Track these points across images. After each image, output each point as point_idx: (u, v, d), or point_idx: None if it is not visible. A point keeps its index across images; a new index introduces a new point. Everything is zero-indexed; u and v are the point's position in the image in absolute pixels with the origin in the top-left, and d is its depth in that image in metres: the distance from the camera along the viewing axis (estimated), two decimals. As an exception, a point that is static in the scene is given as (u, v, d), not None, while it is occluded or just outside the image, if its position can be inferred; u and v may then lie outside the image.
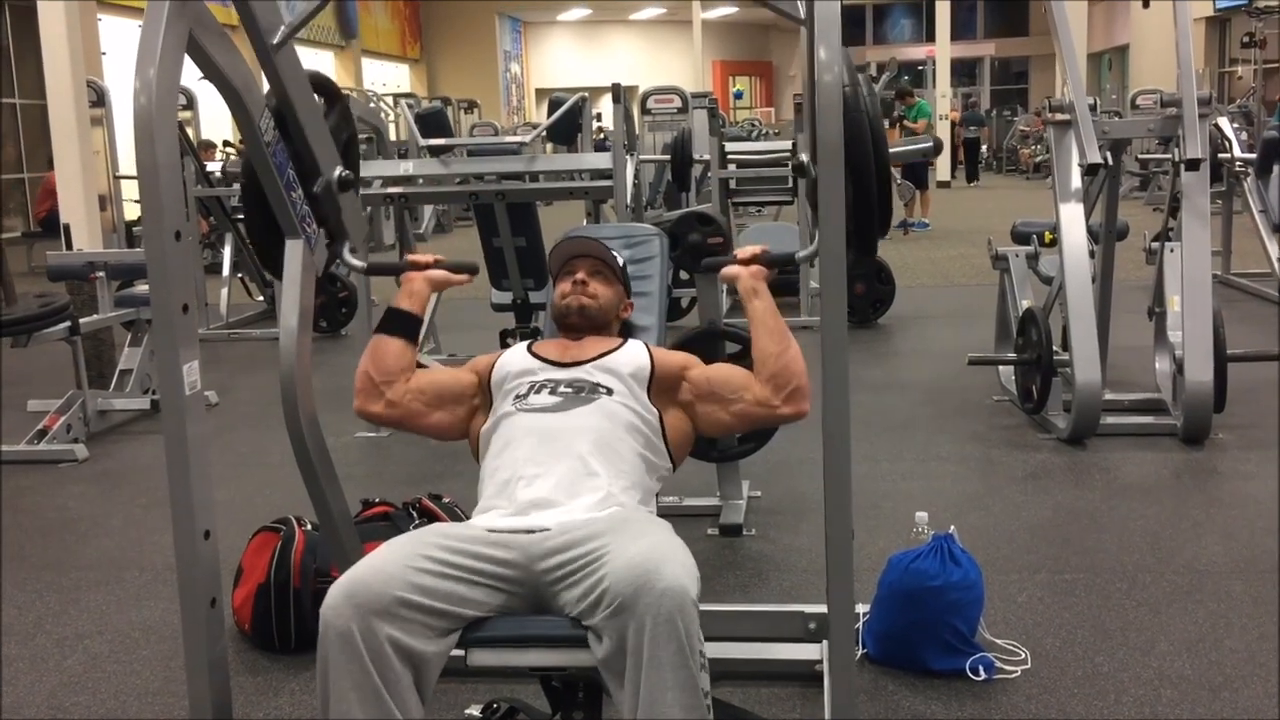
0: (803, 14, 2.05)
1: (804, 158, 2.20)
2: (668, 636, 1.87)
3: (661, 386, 2.48)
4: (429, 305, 2.66)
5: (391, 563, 2.02)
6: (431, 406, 2.50)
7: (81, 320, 5.24)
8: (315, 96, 2.31)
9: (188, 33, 1.90)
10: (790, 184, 8.23)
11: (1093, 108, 4.73)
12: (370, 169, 5.19)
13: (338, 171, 2.33)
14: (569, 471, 2.28)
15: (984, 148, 23.58)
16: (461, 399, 2.53)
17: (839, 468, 1.94)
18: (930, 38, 24.73)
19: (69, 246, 6.95)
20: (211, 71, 2.03)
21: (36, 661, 3.03)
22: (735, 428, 2.57)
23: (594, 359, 2.50)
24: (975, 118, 22.56)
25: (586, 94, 6.18)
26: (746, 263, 2.49)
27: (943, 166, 19.75)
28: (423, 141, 5.35)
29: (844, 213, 1.84)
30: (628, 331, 2.74)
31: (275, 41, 2.09)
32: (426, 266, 2.57)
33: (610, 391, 2.42)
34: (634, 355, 2.52)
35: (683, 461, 2.55)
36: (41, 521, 4.18)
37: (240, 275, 8.78)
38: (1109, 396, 4.74)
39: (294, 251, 2.33)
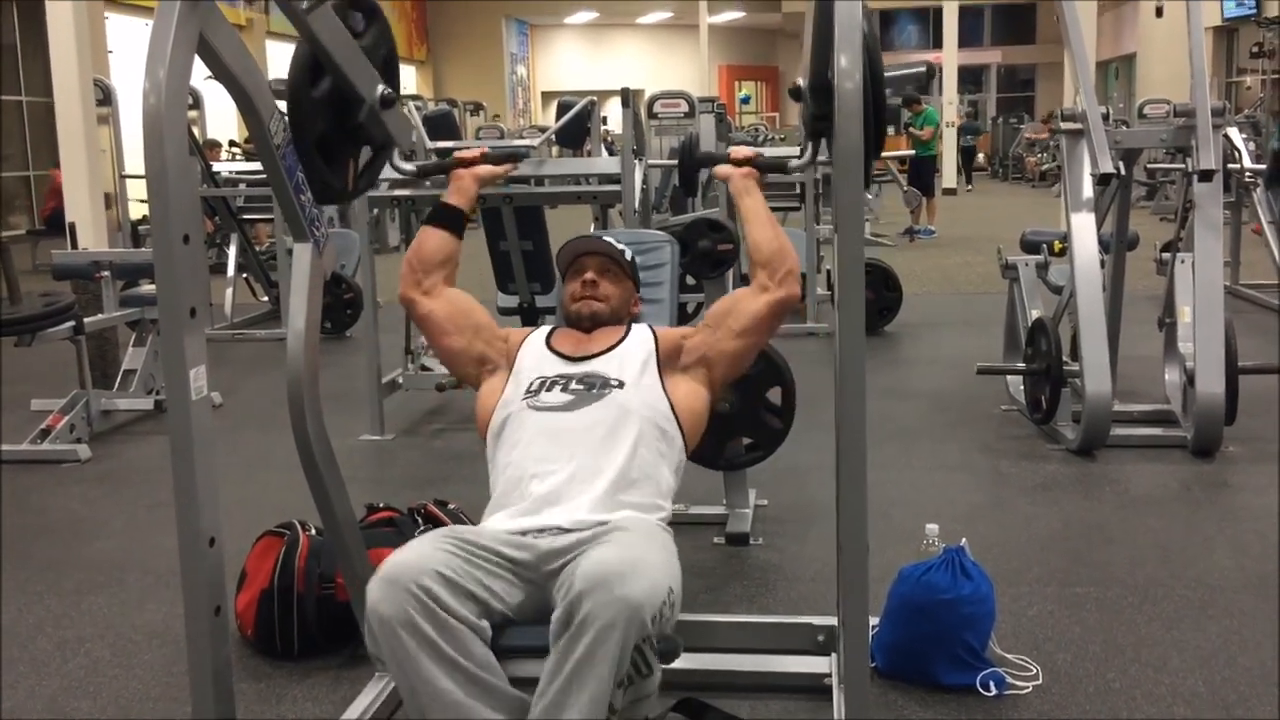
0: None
1: (800, 82, 2.33)
2: (603, 640, 1.87)
3: (668, 360, 2.52)
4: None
5: (422, 548, 2.06)
6: (454, 324, 2.57)
7: (86, 320, 5.22)
8: (349, 19, 2.25)
9: (199, 33, 1.88)
10: (797, 190, 8.20)
11: (1105, 117, 4.70)
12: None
13: (379, 90, 2.29)
14: (580, 469, 2.30)
15: (979, 155, 23.69)
16: (479, 335, 2.58)
17: (854, 480, 1.91)
18: (937, 44, 24.70)
19: (74, 245, 6.93)
20: (222, 72, 2.01)
21: (37, 665, 3.00)
22: (743, 351, 2.56)
23: (605, 351, 2.51)
24: (971, 127, 22.76)
25: (595, 98, 6.15)
26: (740, 164, 2.64)
27: (948, 174, 19.72)
28: (430, 144, 5.33)
29: (862, 218, 1.81)
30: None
31: (305, 6, 2.05)
32: (474, 162, 2.67)
33: (621, 385, 2.42)
34: (642, 340, 2.57)
35: (698, 440, 2.53)
36: (43, 522, 4.16)
37: (245, 275, 8.76)
38: (1118, 408, 4.71)
39: (302, 255, 2.31)
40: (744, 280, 2.95)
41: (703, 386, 2.53)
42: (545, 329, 2.66)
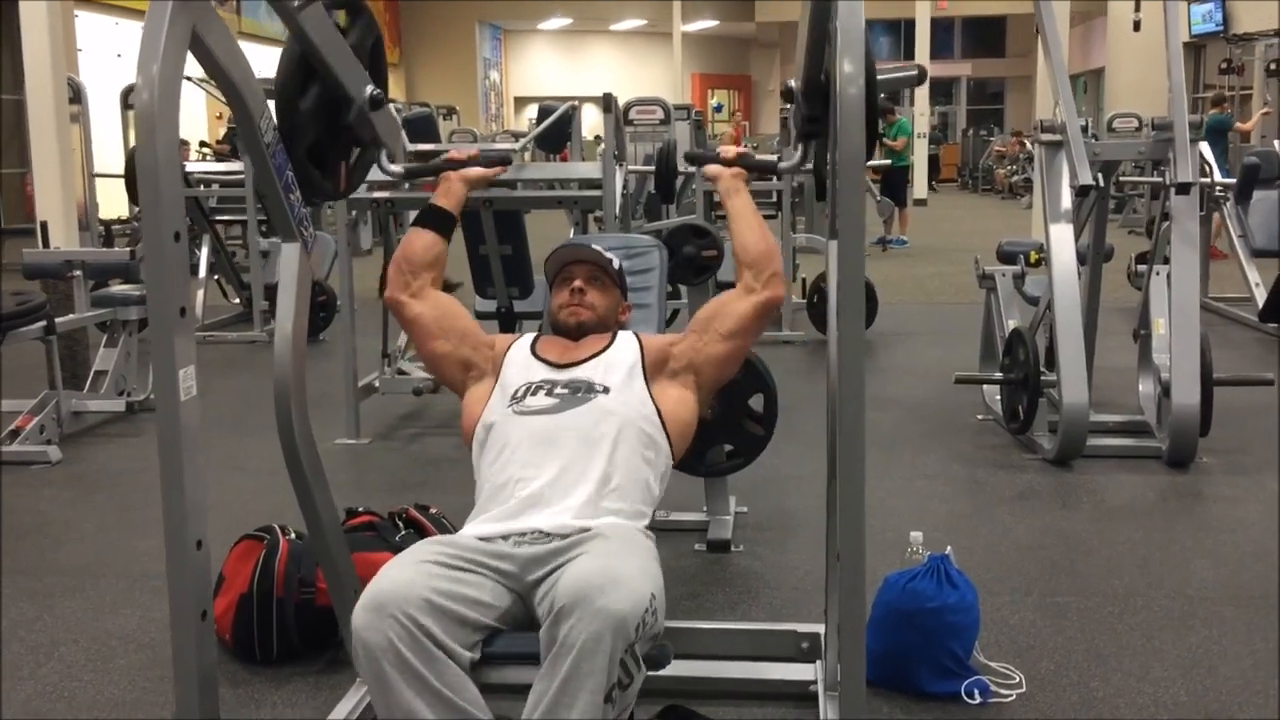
0: None
1: (792, 84, 2.34)
2: (592, 653, 1.86)
3: (655, 368, 2.50)
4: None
5: (406, 570, 2.02)
6: (441, 327, 2.56)
7: (57, 320, 5.15)
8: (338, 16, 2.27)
9: (191, 29, 1.85)
10: (774, 199, 8.23)
11: (1084, 129, 4.72)
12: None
13: (368, 91, 2.29)
14: (563, 471, 2.28)
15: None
16: (466, 341, 2.57)
17: (852, 487, 1.90)
18: (909, 56, 24.85)
19: (46, 244, 6.85)
20: (214, 69, 1.98)
21: (11, 669, 2.95)
22: (731, 354, 2.55)
23: (590, 357, 2.50)
24: (932, 137, 23.26)
25: (577, 103, 6.13)
26: (729, 163, 2.64)
27: (920, 184, 19.83)
28: (410, 146, 5.28)
29: (864, 226, 1.81)
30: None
31: (296, 4, 2.04)
32: (463, 164, 2.67)
33: (607, 390, 2.41)
34: (627, 347, 2.55)
35: (685, 449, 2.52)
36: (14, 524, 4.09)
37: (217, 277, 8.68)
38: (1093, 418, 4.73)
39: (290, 256, 2.29)
40: (721, 289, 2.96)
41: (690, 393, 2.52)
42: (530, 336, 2.65)
